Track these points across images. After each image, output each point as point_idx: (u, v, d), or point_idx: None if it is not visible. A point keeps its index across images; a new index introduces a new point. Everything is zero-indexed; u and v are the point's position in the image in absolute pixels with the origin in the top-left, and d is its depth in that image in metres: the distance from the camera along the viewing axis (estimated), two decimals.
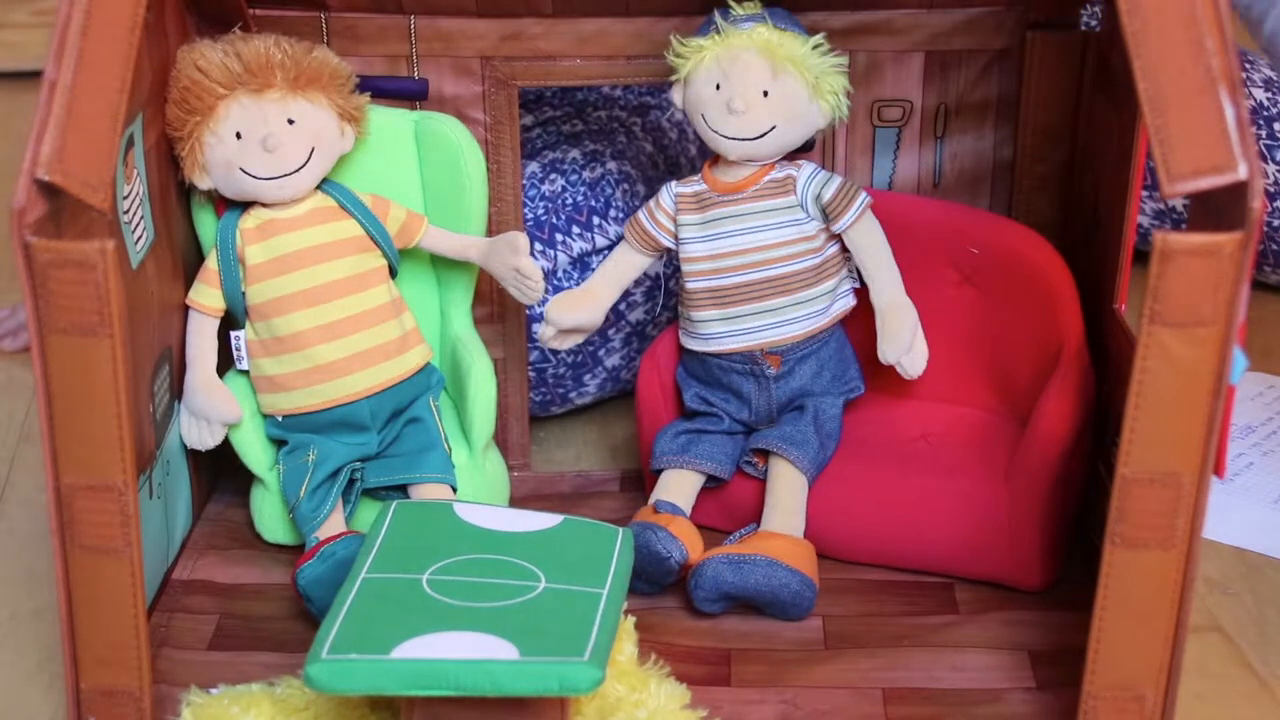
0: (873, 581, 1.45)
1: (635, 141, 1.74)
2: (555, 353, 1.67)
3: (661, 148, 1.76)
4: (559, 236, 1.66)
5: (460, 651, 1.11)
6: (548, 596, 1.18)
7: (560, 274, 1.67)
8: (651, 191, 1.73)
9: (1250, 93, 1.96)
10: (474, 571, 1.20)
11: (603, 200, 1.68)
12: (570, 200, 1.67)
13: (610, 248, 1.70)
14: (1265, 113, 1.94)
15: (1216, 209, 1.11)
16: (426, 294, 1.55)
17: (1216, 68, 1.10)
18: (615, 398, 1.79)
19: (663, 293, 1.70)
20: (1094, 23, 1.69)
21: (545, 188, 1.67)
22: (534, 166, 1.67)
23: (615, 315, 1.68)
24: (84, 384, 1.13)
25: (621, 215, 1.69)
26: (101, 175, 1.13)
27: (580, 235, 1.67)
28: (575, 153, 1.70)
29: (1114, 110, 1.45)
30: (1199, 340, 1.10)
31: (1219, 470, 1.16)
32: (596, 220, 1.68)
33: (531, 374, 1.68)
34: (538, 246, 1.64)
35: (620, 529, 1.29)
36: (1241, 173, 1.09)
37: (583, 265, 1.68)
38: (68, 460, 1.15)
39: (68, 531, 1.17)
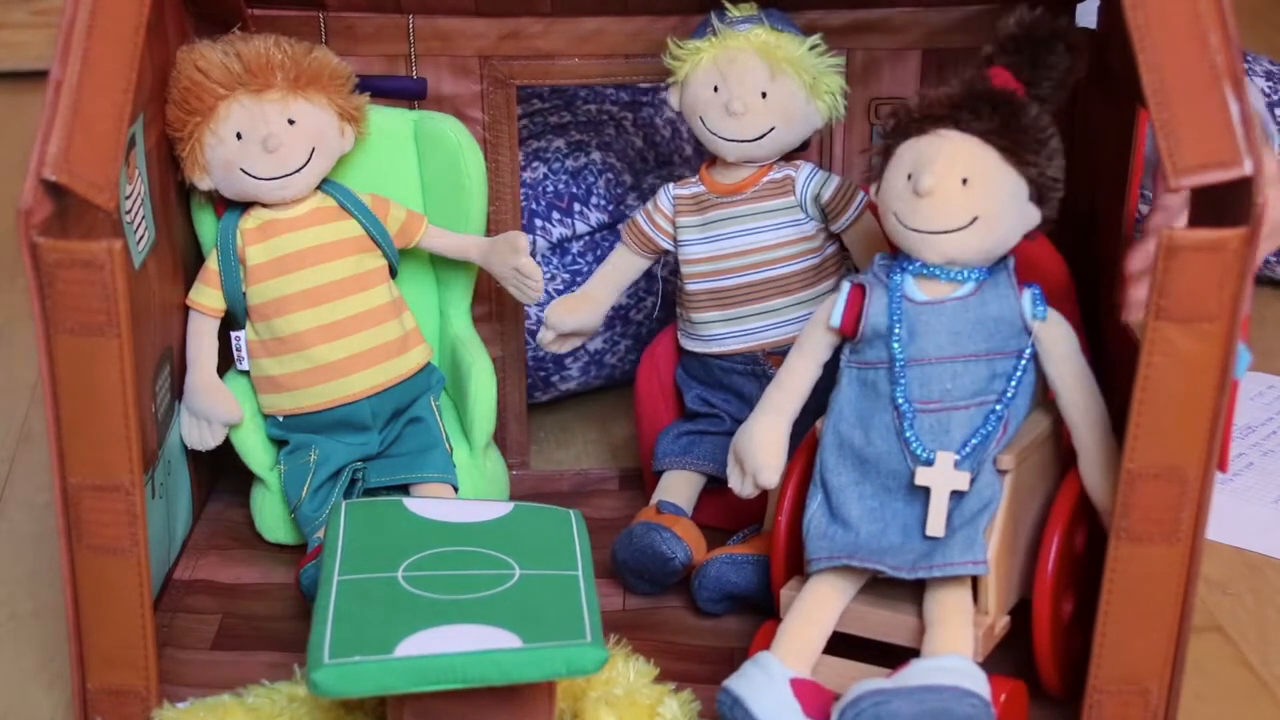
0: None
1: (625, 135, 1.74)
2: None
3: (653, 144, 1.76)
4: (538, 222, 1.67)
5: (463, 644, 1.11)
6: (527, 583, 1.18)
7: (539, 259, 1.67)
8: (638, 184, 1.73)
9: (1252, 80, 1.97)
10: (446, 565, 1.20)
11: (584, 187, 1.69)
12: (551, 187, 1.68)
13: (590, 234, 1.70)
14: (1267, 98, 1.95)
15: (1219, 204, 1.12)
16: (426, 294, 1.55)
17: (1220, 63, 1.10)
18: (611, 391, 1.80)
19: (652, 279, 1.70)
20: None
21: (526, 175, 1.68)
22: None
23: None
24: (91, 384, 1.13)
25: (604, 203, 1.70)
26: (107, 175, 1.13)
27: (560, 221, 1.67)
28: (560, 142, 1.71)
29: (1111, 107, 1.45)
30: (1204, 335, 1.10)
31: (1223, 464, 1.17)
32: (578, 207, 1.68)
33: None
34: None
35: (570, 511, 1.29)
36: (1247, 168, 1.09)
37: (562, 251, 1.69)
38: (74, 460, 1.15)
39: (74, 531, 1.17)
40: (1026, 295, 1.24)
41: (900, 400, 1.24)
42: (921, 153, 1.23)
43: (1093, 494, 1.24)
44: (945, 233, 1.22)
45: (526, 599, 1.16)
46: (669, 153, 1.77)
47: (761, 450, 1.30)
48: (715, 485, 1.48)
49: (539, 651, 1.10)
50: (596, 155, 1.71)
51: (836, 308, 1.27)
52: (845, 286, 1.27)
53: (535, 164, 1.69)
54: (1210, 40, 1.10)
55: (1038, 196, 1.23)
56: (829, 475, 1.27)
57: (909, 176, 1.23)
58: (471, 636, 1.11)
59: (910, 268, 1.25)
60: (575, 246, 1.70)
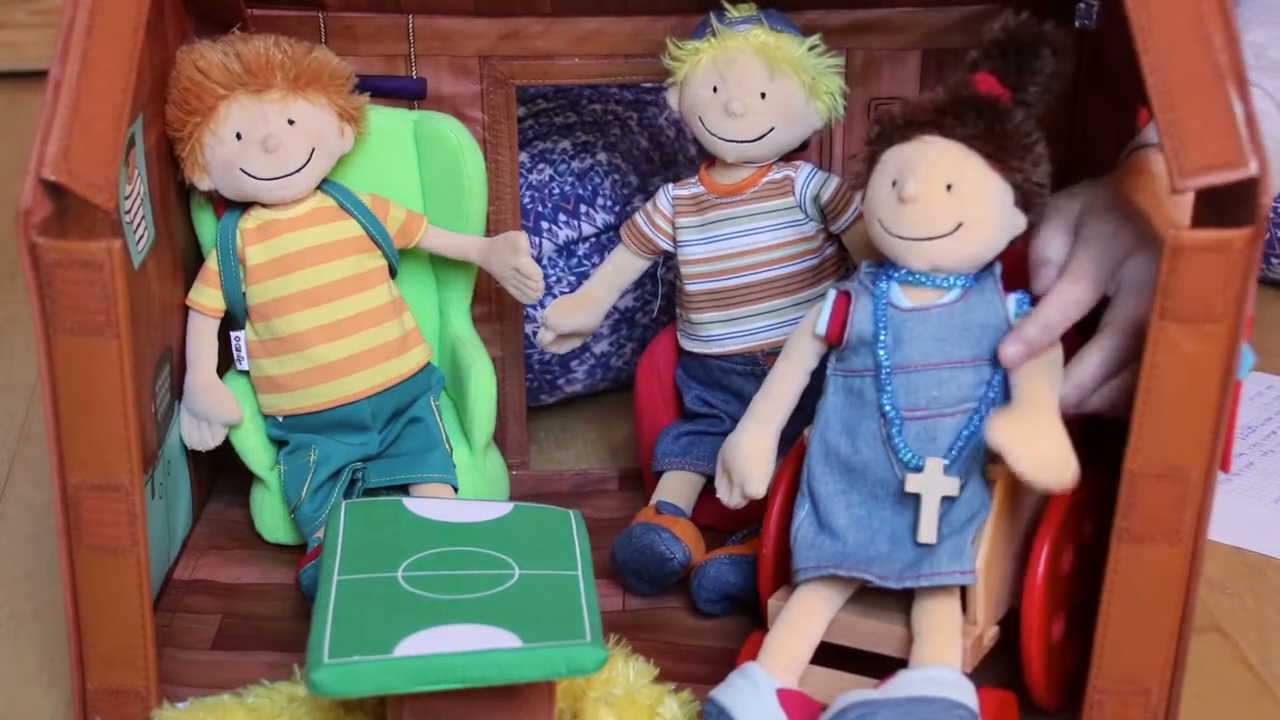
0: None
1: (630, 135, 1.75)
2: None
3: (658, 144, 1.76)
4: (544, 224, 1.67)
5: (463, 644, 1.11)
6: (526, 583, 1.18)
7: (545, 261, 1.67)
8: (644, 185, 1.73)
9: None
10: (446, 565, 1.20)
11: (590, 189, 1.69)
12: (557, 189, 1.68)
13: (597, 235, 1.70)
14: None
15: (1222, 205, 1.12)
16: (426, 294, 1.55)
17: (1224, 63, 1.10)
18: (612, 392, 1.80)
19: (657, 283, 1.70)
20: (1086, 20, 1.69)
21: (532, 177, 1.68)
22: (522, 156, 1.68)
23: None
24: (90, 384, 1.13)
25: (610, 204, 1.70)
26: (106, 175, 1.13)
27: (567, 223, 1.67)
28: (565, 144, 1.70)
29: (1110, 107, 1.45)
30: (1208, 335, 1.10)
31: (1225, 465, 1.16)
32: (584, 208, 1.68)
33: None
34: None
35: (570, 511, 1.29)
36: (1252, 169, 1.09)
37: (568, 253, 1.69)
38: (74, 460, 1.15)
39: (74, 531, 1.17)
40: (1012, 301, 1.23)
41: (887, 407, 1.23)
42: (905, 159, 1.22)
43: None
44: (930, 239, 1.22)
45: (526, 599, 1.16)
46: (673, 152, 1.77)
47: (748, 460, 1.30)
48: (715, 486, 1.48)
49: (539, 651, 1.10)
50: (602, 156, 1.71)
51: (822, 316, 1.27)
52: (831, 294, 1.27)
53: (541, 165, 1.69)
54: (1214, 40, 1.10)
55: (1023, 202, 1.22)
56: (816, 484, 1.26)
57: (893, 183, 1.22)
58: (471, 636, 1.11)
59: (896, 275, 1.24)
60: (581, 249, 1.70)
